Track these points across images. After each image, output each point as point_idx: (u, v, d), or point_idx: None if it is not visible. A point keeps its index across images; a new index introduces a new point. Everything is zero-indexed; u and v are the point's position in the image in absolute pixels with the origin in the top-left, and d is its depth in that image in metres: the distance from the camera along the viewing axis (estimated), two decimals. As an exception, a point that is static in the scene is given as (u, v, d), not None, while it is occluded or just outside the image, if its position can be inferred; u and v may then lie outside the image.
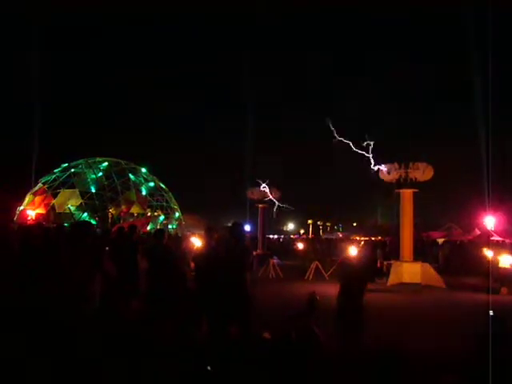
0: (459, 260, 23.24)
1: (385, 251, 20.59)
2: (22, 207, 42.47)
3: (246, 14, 78.18)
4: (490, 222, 31.40)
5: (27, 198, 43.25)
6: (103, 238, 10.11)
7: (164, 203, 48.31)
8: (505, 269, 14.36)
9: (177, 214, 49.53)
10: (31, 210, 42.14)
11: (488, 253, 16.55)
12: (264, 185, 22.72)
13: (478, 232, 34.33)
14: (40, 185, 44.39)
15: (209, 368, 5.49)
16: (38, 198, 43.46)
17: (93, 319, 4.19)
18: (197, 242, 8.49)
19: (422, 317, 10.06)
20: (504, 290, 13.89)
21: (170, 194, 49.83)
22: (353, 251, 7.22)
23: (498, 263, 14.58)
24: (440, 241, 33.06)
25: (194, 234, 22.54)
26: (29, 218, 39.97)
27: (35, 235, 7.95)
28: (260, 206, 23.69)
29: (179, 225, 48.25)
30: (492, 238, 27.53)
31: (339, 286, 6.34)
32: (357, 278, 6.21)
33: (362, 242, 29.16)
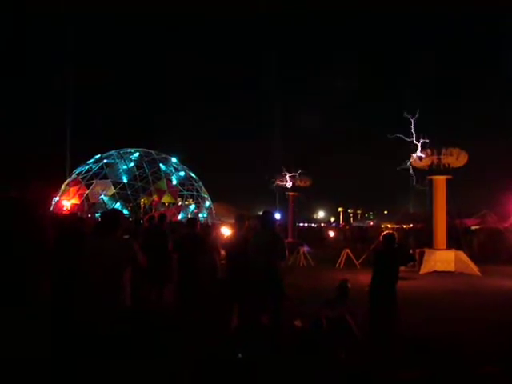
0: (494, 247, 22.69)
1: (418, 239, 20.26)
2: (57, 198, 43.54)
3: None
4: (527, 208, 30.46)
5: (62, 189, 44.34)
6: (135, 228, 10.29)
7: (194, 192, 48.72)
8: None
9: (207, 203, 49.89)
10: (66, 200, 43.19)
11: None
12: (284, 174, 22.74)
13: (514, 219, 33.33)
14: (74, 175, 45.43)
15: (240, 355, 5.54)
16: (72, 189, 44.48)
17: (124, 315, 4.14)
18: (227, 230, 8.53)
19: (456, 305, 9.87)
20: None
21: (201, 183, 50.19)
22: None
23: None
24: (475, 228, 32.29)
25: (224, 222, 22.69)
26: (64, 208, 40.98)
27: (69, 226, 8.13)
28: (290, 194, 23.65)
29: (210, 214, 48.62)
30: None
31: (372, 273, 6.28)
32: (389, 265, 6.12)
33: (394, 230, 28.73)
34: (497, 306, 9.67)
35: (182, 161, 50.50)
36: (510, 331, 6.13)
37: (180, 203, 47.59)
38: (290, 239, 22.17)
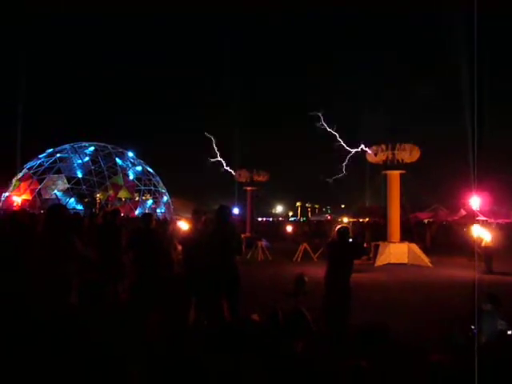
0: (445, 240, 23.58)
1: (373, 232, 20.74)
2: (7, 193, 41.95)
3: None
4: (475, 202, 31.79)
5: (13, 184, 42.73)
6: (89, 224, 10.04)
7: (152, 187, 48.05)
8: (487, 247, 14.57)
9: (165, 198, 49.33)
10: (17, 196, 41.68)
11: (473, 232, 16.75)
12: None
13: (463, 212, 34.76)
14: (25, 170, 43.85)
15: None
16: (23, 184, 42.96)
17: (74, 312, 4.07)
18: (184, 225, 8.45)
19: (408, 296, 10.18)
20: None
21: (158, 177, 49.54)
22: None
23: (481, 242, 14.78)
24: (427, 221, 33.43)
25: (181, 217, 22.50)
26: (15, 204, 39.54)
27: (19, 222, 7.85)
28: (248, 188, 23.68)
29: (168, 209, 48.12)
30: (477, 218, 27.89)
31: (326, 266, 6.37)
32: (342, 258, 6.24)
33: (350, 224, 29.31)
34: (446, 296, 10.03)
35: (139, 155, 49.67)
36: (456, 321, 6.38)
37: (137, 198, 46.84)
38: (248, 234, 22.23)
